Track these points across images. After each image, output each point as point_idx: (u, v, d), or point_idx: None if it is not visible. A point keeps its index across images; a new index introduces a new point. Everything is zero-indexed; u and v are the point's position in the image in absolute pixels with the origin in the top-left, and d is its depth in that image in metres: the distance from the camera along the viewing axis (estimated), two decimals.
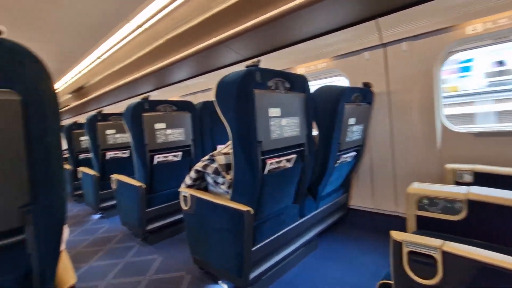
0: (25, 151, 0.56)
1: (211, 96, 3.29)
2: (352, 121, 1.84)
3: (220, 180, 1.50)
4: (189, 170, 2.45)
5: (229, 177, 1.41)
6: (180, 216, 2.43)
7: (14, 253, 0.61)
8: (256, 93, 1.28)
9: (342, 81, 2.50)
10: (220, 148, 1.68)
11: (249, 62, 1.34)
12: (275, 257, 1.56)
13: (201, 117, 2.48)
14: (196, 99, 3.56)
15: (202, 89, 3.40)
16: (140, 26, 2.81)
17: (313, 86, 1.71)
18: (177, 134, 2.27)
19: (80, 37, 3.08)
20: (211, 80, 3.18)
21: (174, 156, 2.27)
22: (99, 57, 3.72)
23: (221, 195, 1.54)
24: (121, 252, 2.19)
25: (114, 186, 2.42)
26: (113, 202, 2.95)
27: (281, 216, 1.57)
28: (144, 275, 1.81)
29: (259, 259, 1.45)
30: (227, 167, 1.44)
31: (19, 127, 0.55)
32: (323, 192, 1.88)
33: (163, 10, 2.48)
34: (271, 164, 1.35)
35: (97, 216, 3.22)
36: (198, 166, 1.58)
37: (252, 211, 1.30)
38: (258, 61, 1.34)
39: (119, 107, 5.44)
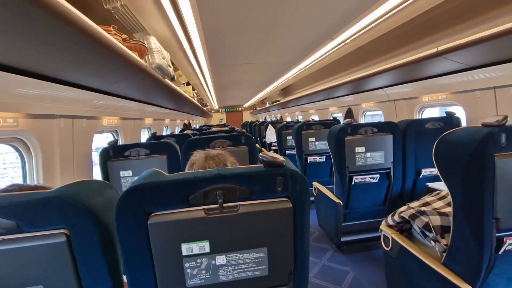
0: (293, 237, 0.83)
1: (414, 105, 2.93)
2: None
3: (430, 235, 1.39)
4: (386, 191, 2.43)
5: (444, 242, 1.27)
6: (374, 234, 2.49)
7: None
8: (497, 160, 1.04)
9: None
10: (431, 197, 1.53)
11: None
12: None
13: (404, 137, 2.31)
14: (398, 107, 3.29)
15: (405, 97, 3.08)
16: (343, 42, 2.92)
17: None
18: (376, 158, 2.27)
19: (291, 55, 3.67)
20: (417, 89, 2.81)
21: (372, 178, 2.30)
22: (303, 68, 4.26)
23: (429, 248, 1.44)
24: (318, 252, 2.59)
25: (314, 193, 2.82)
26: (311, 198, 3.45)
27: None
28: (339, 285, 2.07)
29: None
30: (443, 229, 1.30)
31: (290, 223, 0.81)
32: None
33: (367, 27, 2.42)
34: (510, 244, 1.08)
35: None
36: (405, 213, 1.53)
37: None
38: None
39: (315, 106, 6.03)
